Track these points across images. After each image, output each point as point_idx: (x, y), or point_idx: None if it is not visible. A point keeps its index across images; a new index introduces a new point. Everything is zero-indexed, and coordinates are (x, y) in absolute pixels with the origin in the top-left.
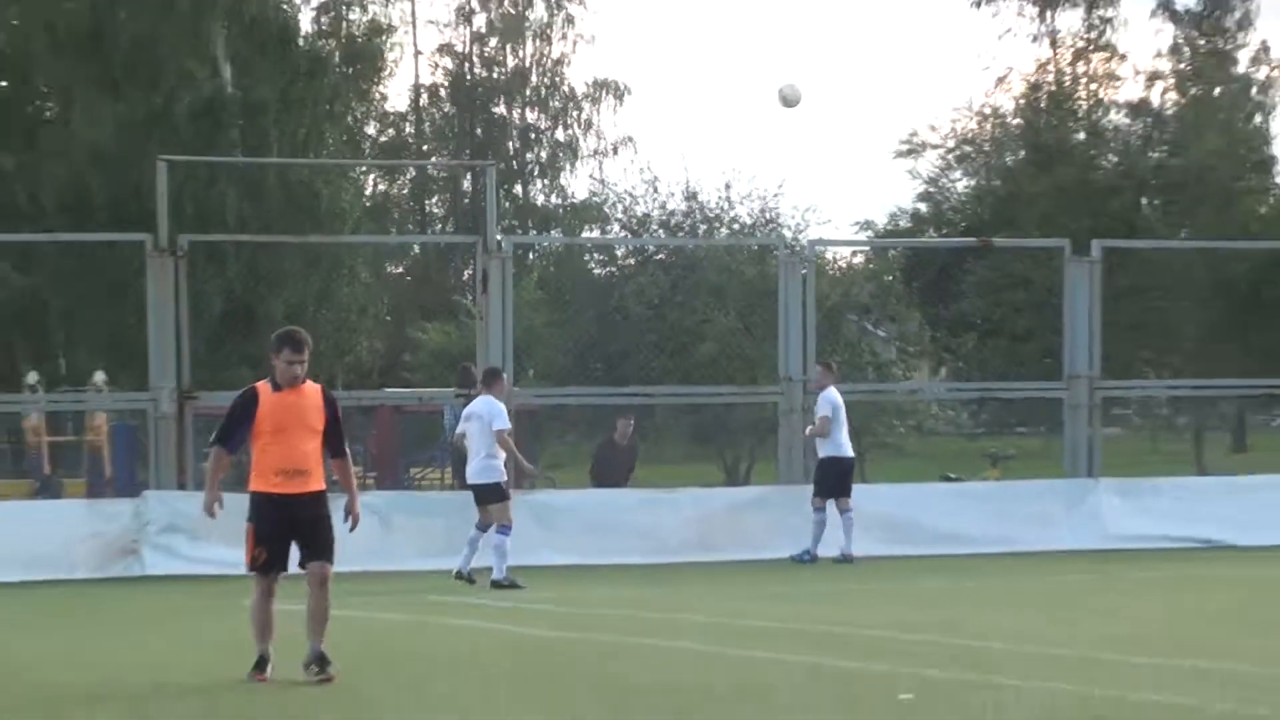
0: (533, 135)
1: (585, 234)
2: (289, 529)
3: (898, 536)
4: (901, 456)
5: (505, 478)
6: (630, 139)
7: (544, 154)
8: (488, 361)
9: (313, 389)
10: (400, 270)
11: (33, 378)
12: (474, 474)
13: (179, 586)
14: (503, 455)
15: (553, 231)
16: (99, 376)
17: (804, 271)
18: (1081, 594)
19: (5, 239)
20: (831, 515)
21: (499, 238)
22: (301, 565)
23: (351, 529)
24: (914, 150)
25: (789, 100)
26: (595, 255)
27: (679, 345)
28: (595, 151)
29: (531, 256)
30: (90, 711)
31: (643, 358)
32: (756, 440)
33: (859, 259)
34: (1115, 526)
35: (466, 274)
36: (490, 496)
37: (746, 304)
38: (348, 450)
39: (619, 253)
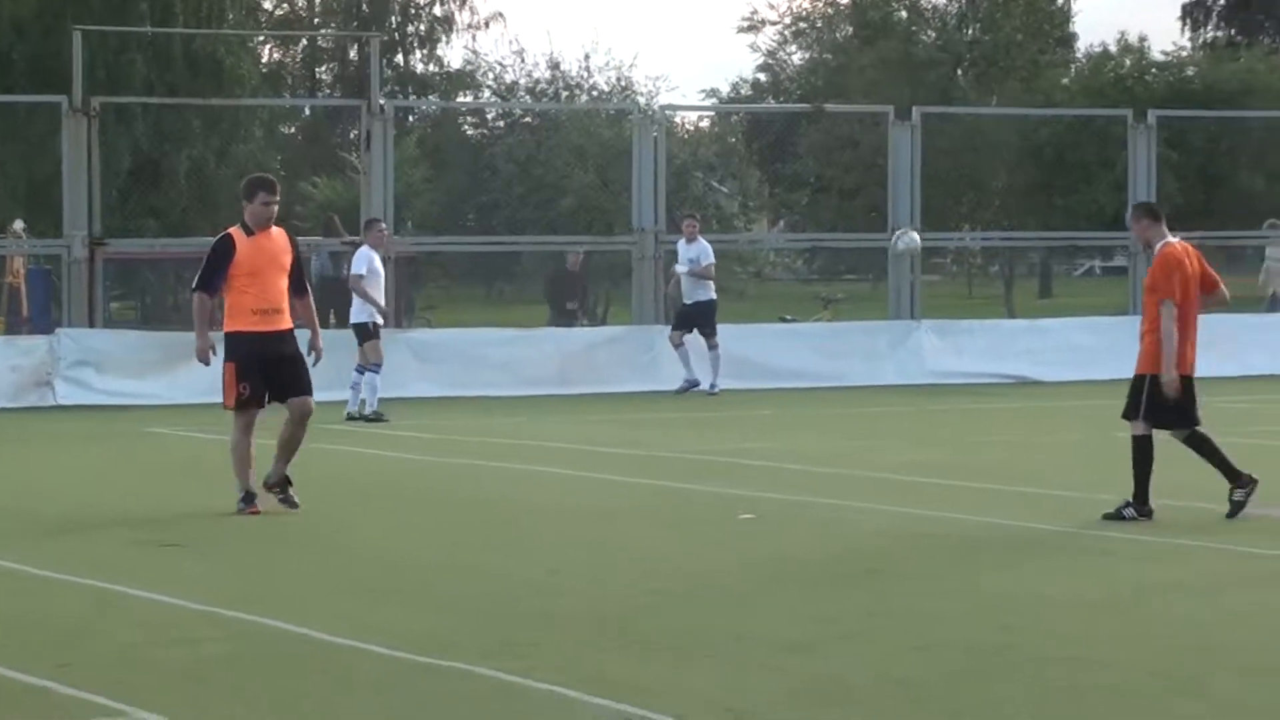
0: (413, 10)
1: (460, 99)
2: (269, 365)
3: (739, 372)
4: (742, 300)
5: (373, 319)
6: (501, 14)
7: (423, 27)
8: (369, 213)
9: (279, 232)
10: (293, 131)
11: None
12: (351, 316)
13: (88, 415)
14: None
15: (430, 97)
16: (18, 224)
17: (655, 134)
18: (903, 424)
19: None
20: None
21: (381, 102)
22: (280, 400)
23: (314, 363)
24: (754, 26)
25: None
26: (469, 119)
27: (543, 199)
28: (469, 25)
29: (411, 119)
30: (12, 521)
31: (510, 210)
32: (612, 285)
33: (705, 123)
34: (934, 364)
35: (352, 134)
36: (360, 336)
37: (603, 163)
38: (309, 288)
39: (489, 116)
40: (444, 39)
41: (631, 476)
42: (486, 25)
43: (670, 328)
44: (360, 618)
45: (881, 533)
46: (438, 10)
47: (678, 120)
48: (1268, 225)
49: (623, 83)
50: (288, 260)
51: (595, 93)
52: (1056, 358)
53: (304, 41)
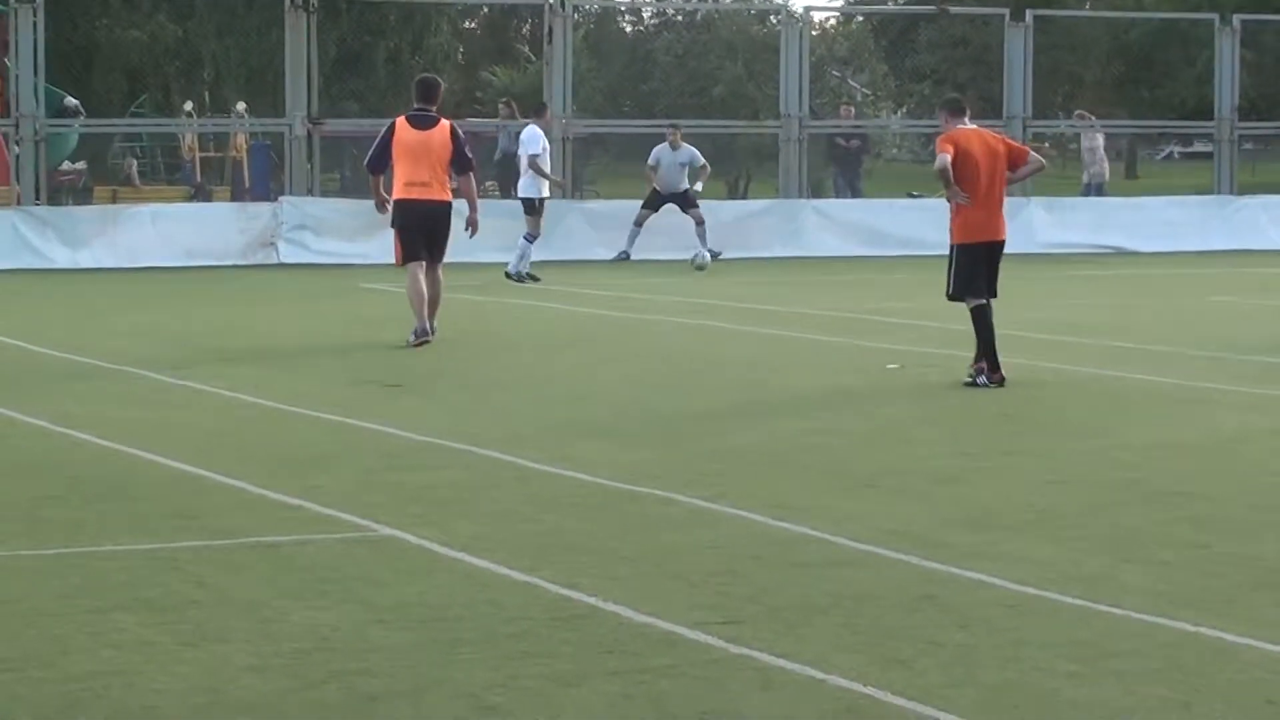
0: None
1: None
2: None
3: (874, 241)
4: (870, 179)
5: (539, 194)
6: None
7: None
8: (551, 98)
9: (441, 126)
10: (474, 25)
11: (187, 106)
12: (519, 190)
13: (308, 272)
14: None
15: None
16: (240, 106)
17: (800, 31)
18: (1020, 287)
19: None
20: None
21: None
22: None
23: (471, 235)
24: None
25: None
26: (626, 17)
27: (697, 88)
28: None
29: (577, 17)
30: (253, 364)
31: (670, 98)
32: (756, 164)
33: (835, 22)
34: (1044, 236)
35: (524, 29)
36: (525, 209)
37: (751, 56)
38: (473, 170)
39: (646, 15)
40: None
41: (787, 330)
42: None
43: (640, 207)
44: (563, 450)
45: (1011, 382)
46: None
47: (815, 19)
48: (1076, 116)
49: None
50: (445, 150)
51: None
52: (1151, 231)
53: None
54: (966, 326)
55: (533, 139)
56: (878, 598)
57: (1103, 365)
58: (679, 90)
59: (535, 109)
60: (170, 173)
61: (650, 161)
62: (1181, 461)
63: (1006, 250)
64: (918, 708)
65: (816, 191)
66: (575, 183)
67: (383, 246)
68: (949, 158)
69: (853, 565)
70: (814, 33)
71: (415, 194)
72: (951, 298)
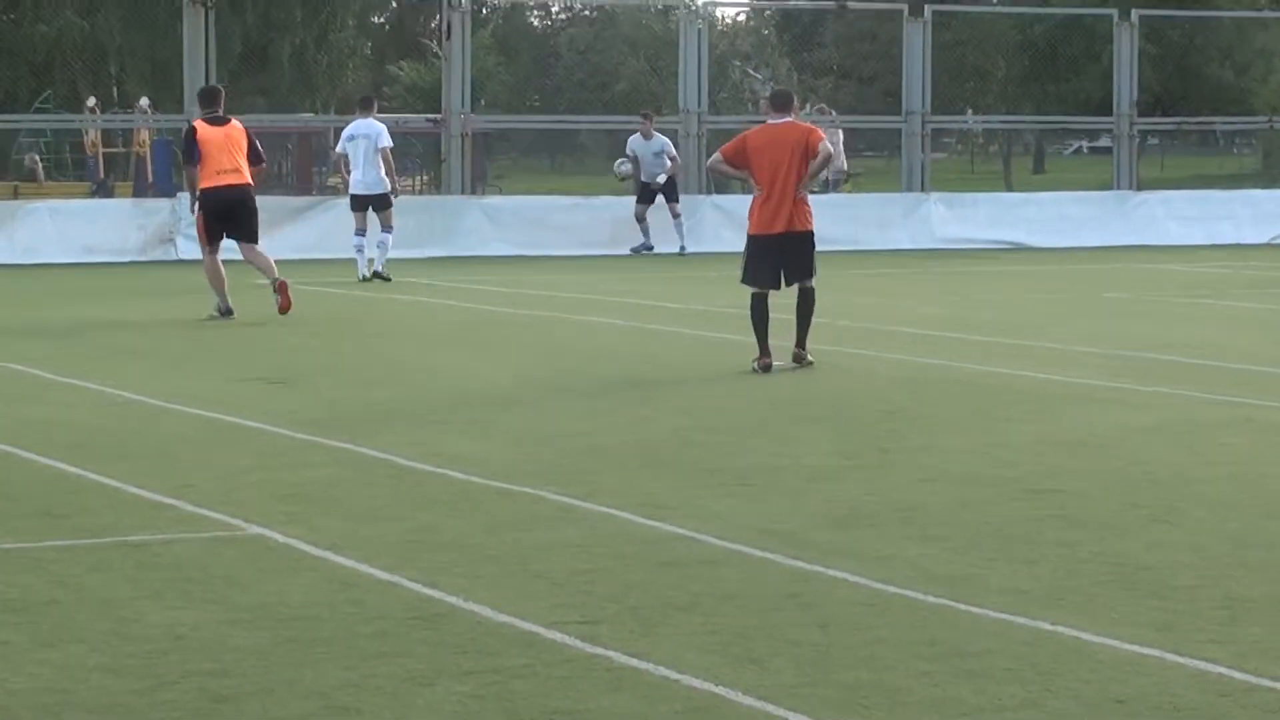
0: None
1: None
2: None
3: None
4: None
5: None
6: None
7: None
8: (449, 94)
9: (234, 123)
10: (382, 21)
11: (91, 101)
12: (369, 185)
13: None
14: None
15: None
16: (144, 101)
17: (699, 26)
18: (915, 284)
19: None
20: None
21: None
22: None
23: None
24: None
25: None
26: (535, 12)
27: (599, 84)
28: None
29: (485, 12)
30: (138, 360)
31: (571, 94)
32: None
33: (742, 17)
34: (942, 231)
35: (433, 24)
36: (384, 203)
37: (653, 52)
38: (263, 162)
39: (553, 10)
40: None
41: (671, 326)
42: None
43: (635, 202)
44: (437, 446)
45: (895, 379)
46: None
47: (718, 15)
48: (816, 110)
49: None
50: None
51: None
52: (1050, 227)
53: None
54: (852, 323)
55: (381, 131)
56: (740, 597)
57: (988, 362)
58: (581, 85)
59: (363, 103)
60: (76, 169)
61: (627, 153)
62: (1057, 459)
63: (902, 248)
64: (768, 707)
65: (720, 188)
66: (478, 178)
67: (280, 240)
68: (719, 157)
69: (718, 564)
70: (718, 28)
71: (225, 180)
72: (743, 282)
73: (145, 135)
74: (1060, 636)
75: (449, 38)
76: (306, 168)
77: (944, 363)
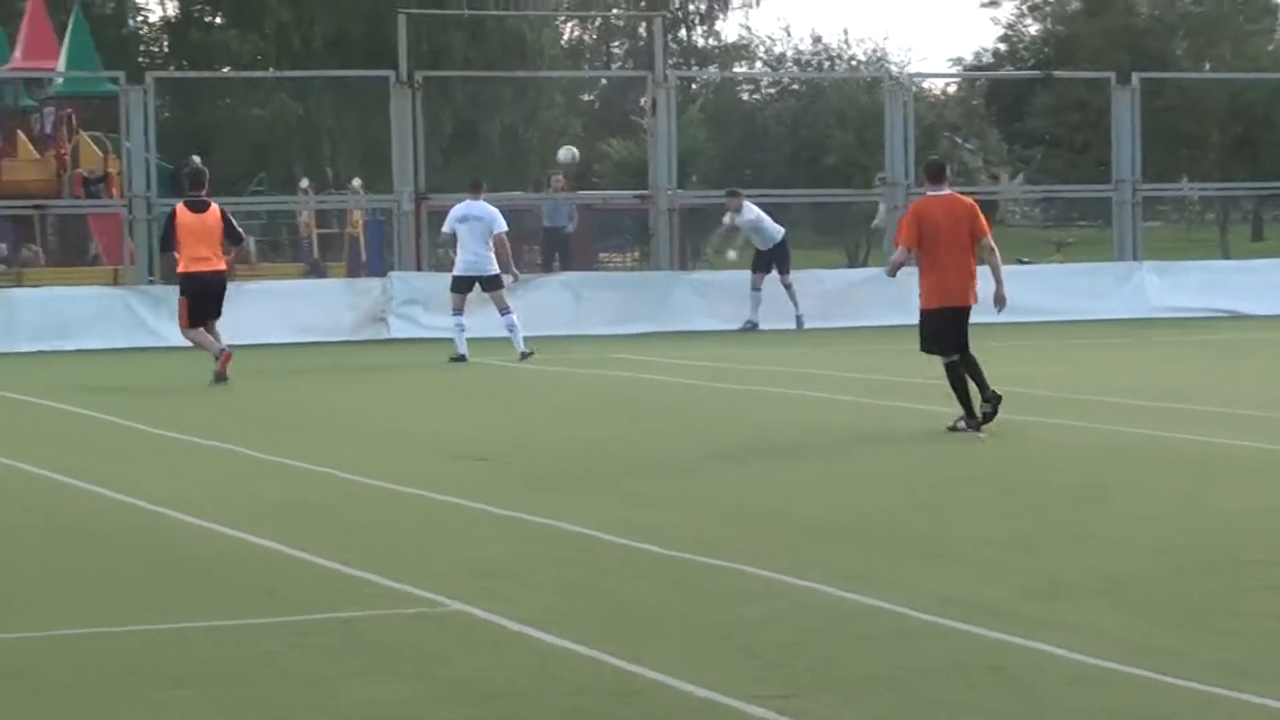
0: None
1: (736, 70)
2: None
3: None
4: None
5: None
6: None
7: (703, 5)
8: (657, 169)
9: (213, 209)
10: (591, 99)
11: (304, 183)
12: (477, 267)
13: (416, 347)
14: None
15: (710, 68)
16: (356, 182)
17: (905, 99)
18: (1127, 353)
19: (284, 75)
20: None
21: (666, 73)
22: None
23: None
24: (994, 2)
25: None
26: (743, 87)
27: (809, 157)
28: (743, 3)
29: (694, 87)
30: (344, 438)
31: (780, 167)
32: (869, 231)
33: (952, 89)
34: (1155, 300)
35: (641, 101)
36: (495, 284)
37: (861, 124)
38: (243, 241)
39: (762, 84)
40: (721, 16)
41: (877, 398)
42: (757, 3)
43: (750, 273)
44: (636, 519)
45: (1097, 448)
46: None
47: (926, 86)
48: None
49: (878, 54)
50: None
51: (853, 63)
52: (1266, 294)
53: (599, 20)
54: (1062, 394)
55: (497, 216)
56: (940, 670)
57: (1196, 431)
58: (790, 159)
59: (475, 186)
60: (290, 250)
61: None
62: (1266, 529)
63: (1114, 317)
64: None
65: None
66: (688, 254)
67: (488, 322)
68: (904, 255)
69: (918, 636)
70: (926, 100)
71: (200, 266)
72: (925, 350)
73: (358, 216)
74: (1268, 709)
75: (654, 113)
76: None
77: (1150, 432)
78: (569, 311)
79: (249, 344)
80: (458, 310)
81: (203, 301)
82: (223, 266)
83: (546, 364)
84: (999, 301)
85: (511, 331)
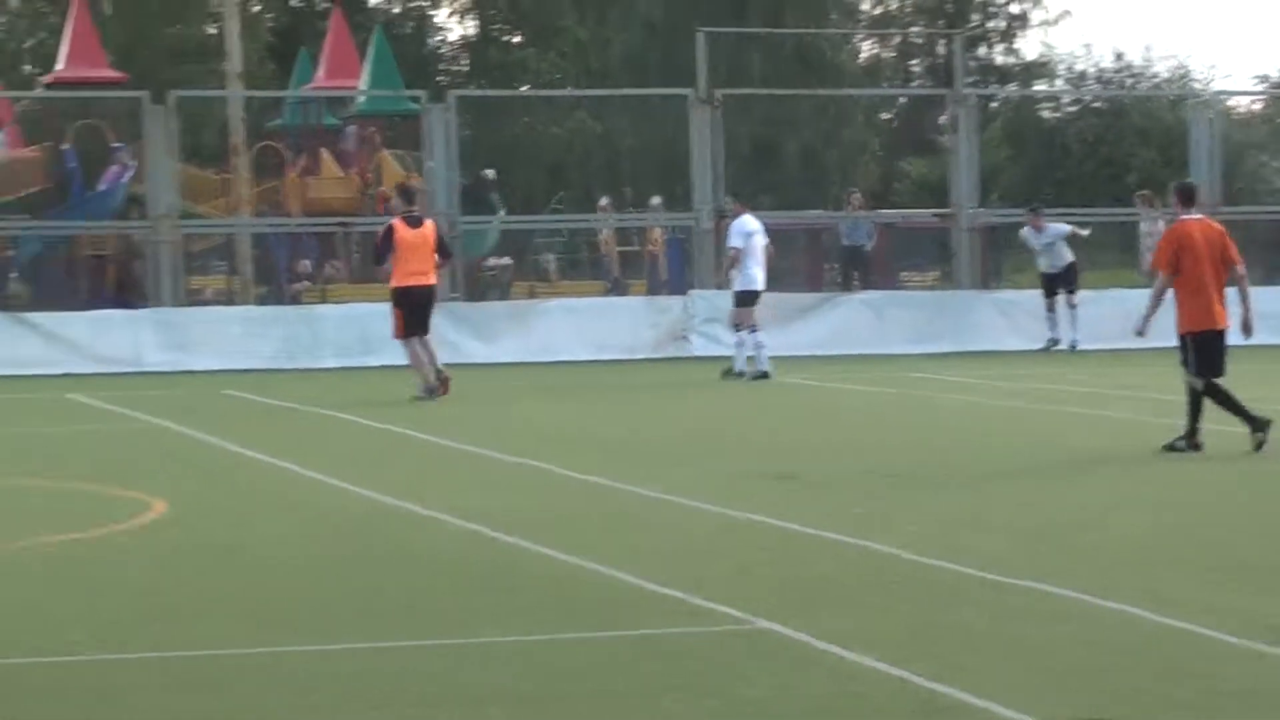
0: (992, 8)
1: (1036, 87)
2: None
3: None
4: None
5: (755, 286)
6: (1069, 11)
7: (1002, 23)
8: (957, 188)
9: (427, 224)
10: (890, 117)
11: (604, 201)
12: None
13: (718, 365)
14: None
15: (1009, 85)
16: (656, 199)
17: (1210, 117)
18: None
19: (583, 93)
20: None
21: (965, 91)
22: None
23: None
24: None
25: None
26: (1044, 104)
27: (1111, 175)
28: (1042, 21)
29: (993, 105)
30: (641, 454)
31: (1082, 185)
32: None
33: (1257, 106)
34: None
35: (940, 119)
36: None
37: (1166, 142)
38: (452, 256)
39: (1063, 101)
40: (1020, 34)
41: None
42: (1057, 21)
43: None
44: (943, 539)
45: None
46: (1014, 8)
47: (1231, 103)
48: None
49: (1180, 70)
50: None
51: (1156, 80)
52: None
53: (897, 38)
54: None
55: (732, 231)
56: (1253, 695)
57: None
58: (1092, 177)
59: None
60: (590, 268)
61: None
62: None
63: None
64: None
65: None
66: (989, 273)
67: (791, 341)
68: (1164, 283)
69: (1228, 661)
70: (1233, 117)
71: (416, 280)
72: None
73: (658, 234)
74: None
75: (954, 130)
76: (817, 265)
77: None
78: (870, 330)
79: (547, 361)
80: (754, 326)
81: (417, 315)
82: (435, 281)
83: (848, 382)
84: (1247, 328)
85: (741, 348)
